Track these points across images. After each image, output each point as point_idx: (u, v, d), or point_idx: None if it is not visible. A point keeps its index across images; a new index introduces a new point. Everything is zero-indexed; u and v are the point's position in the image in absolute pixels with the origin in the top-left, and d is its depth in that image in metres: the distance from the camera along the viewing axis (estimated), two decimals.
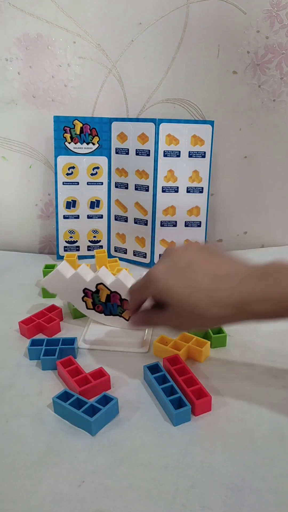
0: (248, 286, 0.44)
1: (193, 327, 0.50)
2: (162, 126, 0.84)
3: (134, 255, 0.93)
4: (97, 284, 0.65)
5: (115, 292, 0.65)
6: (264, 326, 0.69)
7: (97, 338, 0.65)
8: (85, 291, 0.66)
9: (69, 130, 0.88)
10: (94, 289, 0.65)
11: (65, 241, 0.94)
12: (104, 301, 0.66)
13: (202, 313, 0.46)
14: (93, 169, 0.91)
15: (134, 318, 0.54)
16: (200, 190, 0.88)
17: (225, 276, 0.46)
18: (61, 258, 0.94)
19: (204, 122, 0.87)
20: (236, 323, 0.47)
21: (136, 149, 0.87)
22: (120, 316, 0.67)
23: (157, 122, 0.84)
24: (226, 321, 0.47)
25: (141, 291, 0.52)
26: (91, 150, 0.90)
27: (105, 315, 0.67)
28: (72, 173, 0.91)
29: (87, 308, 0.67)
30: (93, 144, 0.90)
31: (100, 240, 0.96)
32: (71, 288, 0.66)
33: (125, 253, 0.94)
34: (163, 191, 0.87)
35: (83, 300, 0.67)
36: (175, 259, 0.49)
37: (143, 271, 0.67)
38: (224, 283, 0.45)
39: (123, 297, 0.65)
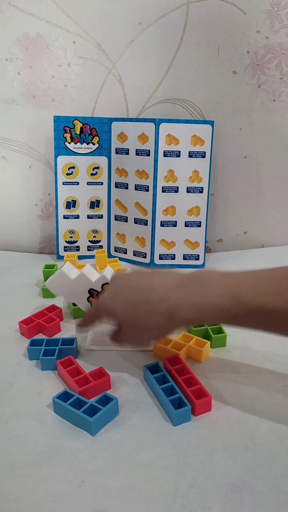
0: (174, 295, 0.49)
1: (143, 339, 0.55)
2: (162, 126, 0.84)
3: (134, 255, 0.93)
4: (103, 284, 0.65)
5: None
6: None
7: (104, 339, 0.65)
8: (91, 291, 0.66)
9: (69, 130, 0.88)
10: (100, 289, 0.65)
11: (65, 241, 0.94)
12: None
13: (142, 325, 0.51)
14: (93, 169, 0.91)
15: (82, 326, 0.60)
16: (200, 190, 0.88)
17: (154, 288, 0.51)
18: (61, 258, 0.94)
19: (204, 122, 0.87)
20: (172, 331, 0.52)
21: (136, 149, 0.87)
22: None
23: (157, 122, 0.84)
24: (163, 330, 0.52)
25: (94, 316, 0.58)
26: (91, 150, 0.90)
27: None
28: (72, 173, 0.91)
29: None
30: (93, 144, 0.90)
31: (100, 240, 0.96)
32: (76, 289, 0.66)
33: (125, 253, 0.94)
34: (163, 191, 0.87)
35: (88, 301, 0.66)
36: (117, 283, 0.55)
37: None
38: (154, 294, 0.50)
39: None
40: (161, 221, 0.88)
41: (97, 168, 0.91)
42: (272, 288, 0.45)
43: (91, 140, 0.89)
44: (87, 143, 0.89)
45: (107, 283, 0.64)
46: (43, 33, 0.85)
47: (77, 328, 0.61)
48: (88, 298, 0.66)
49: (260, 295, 0.45)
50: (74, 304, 0.71)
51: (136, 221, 0.90)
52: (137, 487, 0.43)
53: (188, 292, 0.49)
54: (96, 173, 0.91)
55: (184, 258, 0.91)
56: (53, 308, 0.71)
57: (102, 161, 0.91)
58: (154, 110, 0.90)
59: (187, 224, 0.89)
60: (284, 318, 0.44)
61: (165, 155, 0.85)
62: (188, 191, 0.87)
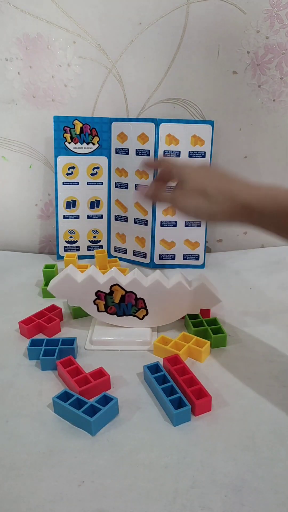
0: (247, 191, 0.52)
1: (193, 207, 0.56)
2: (162, 126, 0.84)
3: (134, 255, 0.93)
4: (112, 286, 0.65)
5: (131, 291, 0.65)
6: (264, 326, 0.69)
7: (104, 338, 0.65)
8: (98, 293, 0.65)
9: (69, 130, 0.88)
10: (108, 291, 0.65)
11: (65, 241, 0.94)
12: (118, 302, 0.66)
13: (205, 189, 0.54)
14: (93, 169, 0.91)
15: (147, 190, 0.63)
16: None
17: (232, 179, 0.55)
18: (61, 258, 0.94)
19: (204, 122, 0.87)
20: (229, 216, 0.53)
21: (136, 149, 0.87)
22: (134, 316, 0.67)
23: (157, 122, 0.84)
24: (220, 208, 0.53)
25: (169, 168, 0.62)
26: (91, 150, 0.90)
27: (118, 316, 0.67)
28: (72, 173, 0.91)
29: (99, 311, 0.67)
30: (93, 144, 0.90)
31: (100, 240, 0.96)
32: (82, 292, 0.65)
33: (125, 253, 0.94)
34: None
35: (94, 303, 0.66)
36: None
37: (143, 271, 0.67)
38: (231, 181, 0.54)
39: (138, 296, 0.65)
40: (161, 221, 0.88)
41: (97, 168, 0.91)
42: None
43: (91, 140, 0.89)
44: (87, 143, 0.89)
45: (115, 284, 0.64)
46: (43, 33, 0.85)
47: (140, 192, 0.63)
48: (94, 301, 0.66)
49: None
50: None
51: (136, 221, 0.90)
52: (137, 487, 0.43)
53: (258, 189, 0.53)
54: (96, 173, 0.91)
55: (184, 258, 0.91)
56: (53, 308, 0.71)
57: (102, 161, 0.91)
58: (154, 110, 0.90)
59: (187, 224, 0.89)
60: None
61: (165, 155, 0.85)
62: None
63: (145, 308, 0.66)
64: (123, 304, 0.65)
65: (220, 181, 0.55)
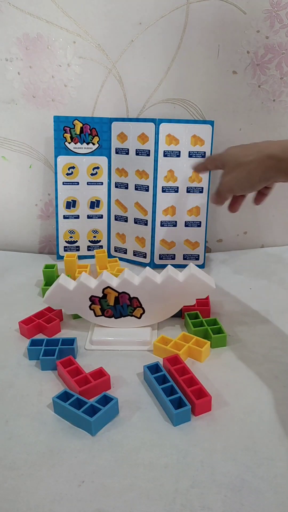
0: (272, 145, 0.60)
1: (235, 179, 0.63)
2: (162, 126, 0.84)
3: (134, 255, 0.93)
4: (104, 289, 0.65)
5: (123, 292, 0.65)
6: (264, 326, 0.69)
7: (104, 338, 0.65)
8: (92, 298, 0.65)
9: (69, 130, 0.88)
10: (101, 295, 0.65)
11: (65, 241, 0.94)
12: (113, 304, 0.66)
13: (239, 161, 0.62)
14: (93, 169, 0.91)
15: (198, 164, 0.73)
16: (200, 190, 0.88)
17: (260, 143, 0.63)
18: (61, 258, 0.94)
19: (204, 122, 0.87)
20: (262, 172, 0.60)
21: (136, 149, 0.87)
22: (131, 316, 0.67)
23: (157, 122, 0.84)
24: (253, 168, 0.60)
25: (213, 159, 0.71)
26: (91, 150, 0.90)
27: (115, 318, 0.67)
28: (72, 173, 0.91)
29: (96, 315, 0.67)
30: (93, 144, 0.90)
31: (100, 240, 0.96)
32: (76, 299, 0.65)
33: (125, 253, 0.94)
34: (163, 191, 0.87)
35: (90, 309, 0.66)
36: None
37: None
38: (258, 144, 0.63)
39: (132, 296, 0.65)
40: (161, 221, 0.88)
41: (97, 168, 0.91)
42: None
43: (91, 140, 0.89)
44: (87, 143, 0.89)
45: (108, 287, 0.64)
46: (43, 33, 0.85)
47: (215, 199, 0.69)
48: (90, 306, 0.66)
49: None
50: None
51: (136, 221, 0.90)
52: (137, 487, 0.43)
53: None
54: (96, 173, 0.91)
55: (184, 258, 0.91)
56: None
57: (102, 161, 0.91)
58: (154, 110, 0.90)
59: (187, 224, 0.89)
60: None
61: (165, 155, 0.85)
62: (188, 191, 0.87)
63: (141, 306, 0.66)
64: (118, 305, 0.66)
65: (250, 148, 0.62)
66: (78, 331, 0.68)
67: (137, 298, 0.65)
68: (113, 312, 0.66)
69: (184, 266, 0.91)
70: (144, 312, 0.66)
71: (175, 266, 0.91)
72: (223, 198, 0.68)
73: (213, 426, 0.50)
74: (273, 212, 0.98)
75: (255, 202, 0.73)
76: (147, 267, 0.67)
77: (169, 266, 0.67)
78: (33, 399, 0.54)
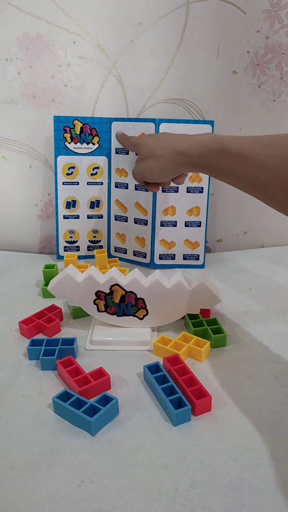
0: (182, 141, 0.66)
1: (146, 167, 0.70)
2: (162, 126, 0.84)
3: (134, 255, 0.93)
4: (112, 286, 0.65)
5: (131, 291, 0.65)
6: (264, 326, 0.69)
7: (104, 338, 0.65)
8: (98, 293, 0.65)
9: (69, 130, 0.88)
10: (108, 291, 0.65)
11: (65, 241, 0.94)
12: (118, 302, 0.66)
13: (152, 151, 0.68)
14: (93, 169, 0.91)
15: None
16: (200, 190, 0.88)
17: (174, 136, 0.69)
18: (61, 258, 0.94)
19: (204, 122, 0.87)
20: (172, 166, 0.67)
21: None
22: (134, 316, 0.67)
23: (157, 122, 0.84)
24: (164, 161, 0.67)
25: (131, 144, 0.79)
26: (91, 150, 0.90)
27: (117, 316, 0.67)
28: (72, 173, 0.91)
29: (99, 311, 0.67)
30: (93, 144, 0.90)
31: (100, 240, 0.96)
32: (82, 292, 0.65)
33: (125, 253, 0.94)
34: (163, 191, 0.87)
35: (94, 303, 0.66)
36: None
37: (143, 271, 0.67)
38: (172, 138, 0.69)
39: (138, 296, 0.65)
40: (161, 221, 0.88)
41: (97, 168, 0.91)
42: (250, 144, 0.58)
43: (91, 140, 0.89)
44: (87, 143, 0.89)
45: (115, 284, 0.64)
46: (43, 33, 0.85)
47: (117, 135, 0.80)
48: (94, 301, 0.66)
49: (238, 142, 0.59)
50: None
51: (136, 221, 0.90)
52: (137, 487, 0.43)
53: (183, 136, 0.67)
54: (96, 173, 0.91)
55: (184, 258, 0.91)
56: (53, 308, 0.71)
57: (102, 161, 0.91)
58: (154, 110, 0.90)
59: (187, 224, 0.89)
60: (246, 163, 0.56)
61: None
62: (188, 191, 0.87)
63: (145, 308, 0.66)
64: (123, 304, 0.65)
65: (164, 141, 0.67)
66: (78, 331, 0.68)
67: (143, 300, 0.65)
68: (116, 309, 0.66)
69: (184, 266, 0.91)
70: (147, 314, 0.66)
71: (175, 266, 0.91)
72: (139, 182, 0.76)
73: (213, 426, 0.50)
74: (273, 212, 0.98)
75: (174, 181, 0.75)
76: (157, 270, 0.67)
77: (179, 271, 0.67)
78: (33, 399, 0.54)
